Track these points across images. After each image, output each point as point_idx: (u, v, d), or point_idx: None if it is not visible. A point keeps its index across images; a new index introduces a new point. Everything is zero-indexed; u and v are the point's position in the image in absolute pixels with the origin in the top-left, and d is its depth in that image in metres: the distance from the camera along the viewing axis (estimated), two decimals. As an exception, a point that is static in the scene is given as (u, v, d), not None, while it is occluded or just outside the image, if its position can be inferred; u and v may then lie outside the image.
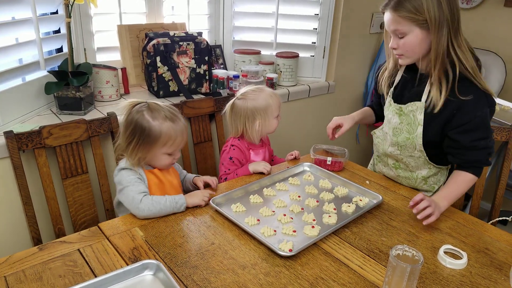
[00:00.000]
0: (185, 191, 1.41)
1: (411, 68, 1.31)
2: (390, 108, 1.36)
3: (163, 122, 1.19)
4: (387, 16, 1.20)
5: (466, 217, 1.26)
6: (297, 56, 2.14)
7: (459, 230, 1.19)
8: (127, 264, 0.97)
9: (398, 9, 1.15)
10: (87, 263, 0.98)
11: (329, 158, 1.49)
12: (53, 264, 0.96)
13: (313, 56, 2.27)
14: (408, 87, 1.32)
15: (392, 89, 1.36)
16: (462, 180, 1.26)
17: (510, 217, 1.29)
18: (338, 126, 1.47)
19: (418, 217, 1.14)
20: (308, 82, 2.27)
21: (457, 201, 1.71)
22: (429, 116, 1.25)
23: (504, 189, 1.66)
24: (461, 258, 1.03)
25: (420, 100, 1.27)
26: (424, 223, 1.14)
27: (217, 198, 1.24)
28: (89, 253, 1.01)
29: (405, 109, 1.31)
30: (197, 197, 1.21)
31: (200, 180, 1.37)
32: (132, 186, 1.17)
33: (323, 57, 2.26)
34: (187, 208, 1.20)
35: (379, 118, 1.55)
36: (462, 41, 1.17)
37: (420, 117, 1.27)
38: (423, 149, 1.31)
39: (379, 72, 1.43)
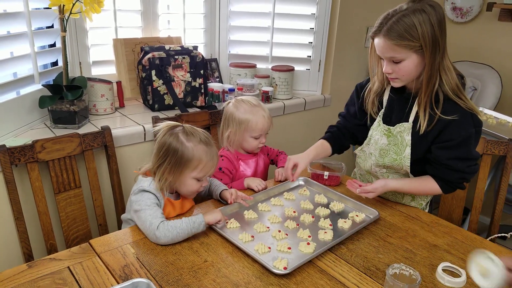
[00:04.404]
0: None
1: (397, 88, 1.27)
2: (378, 128, 1.34)
3: (196, 145, 1.18)
4: (380, 42, 1.15)
5: (465, 233, 1.24)
6: (292, 69, 2.15)
7: (457, 247, 1.17)
8: (118, 283, 0.94)
9: (392, 37, 1.11)
10: (77, 282, 0.95)
11: (326, 173, 1.47)
12: (42, 282, 0.94)
13: (309, 69, 2.28)
14: (396, 108, 1.30)
15: (383, 110, 1.33)
16: (427, 186, 1.28)
17: (509, 234, 1.27)
18: (294, 166, 1.38)
19: (358, 190, 1.28)
20: (304, 95, 2.27)
21: (456, 216, 1.70)
22: (418, 136, 1.24)
23: (503, 203, 1.64)
24: (460, 276, 1.01)
25: (407, 120, 1.26)
26: (358, 190, 1.28)
27: (211, 214, 1.21)
28: (79, 270, 0.99)
29: (393, 130, 1.29)
30: (216, 212, 1.15)
31: (230, 193, 1.28)
32: (149, 211, 1.12)
33: (319, 71, 2.27)
34: (207, 225, 1.14)
35: (342, 148, 1.51)
36: (448, 62, 1.16)
37: (408, 138, 1.26)
38: (409, 171, 1.30)
39: (363, 93, 1.38)
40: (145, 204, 1.14)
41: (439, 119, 1.18)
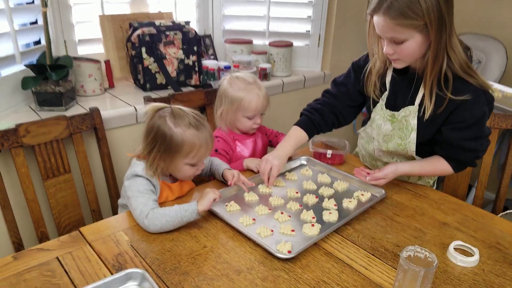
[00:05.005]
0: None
1: (401, 68, 1.16)
2: (381, 113, 1.24)
3: (186, 130, 1.07)
4: (380, 21, 1.03)
5: (474, 210, 1.19)
6: (291, 45, 2.06)
7: (467, 224, 1.11)
8: (111, 273, 0.88)
9: (393, 16, 0.99)
10: (66, 273, 0.89)
11: (329, 151, 1.40)
12: (28, 275, 0.87)
13: (308, 45, 2.19)
14: (400, 90, 1.20)
15: (386, 92, 1.23)
16: (438, 167, 1.21)
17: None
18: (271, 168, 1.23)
19: (368, 178, 1.21)
20: (303, 72, 2.19)
21: (461, 191, 1.64)
22: (425, 120, 1.14)
23: (510, 178, 1.59)
24: (473, 255, 0.96)
25: (413, 103, 1.17)
26: (368, 178, 1.22)
27: (208, 197, 1.15)
28: (68, 261, 0.92)
29: (398, 115, 1.20)
30: (208, 195, 1.05)
31: (232, 174, 1.20)
32: (141, 198, 1.05)
33: (318, 46, 2.18)
34: (201, 214, 1.06)
35: (317, 134, 1.37)
36: (455, 39, 1.05)
37: (414, 122, 1.17)
38: (415, 155, 1.23)
39: (363, 75, 1.26)
40: (137, 190, 1.07)
41: (450, 100, 1.09)
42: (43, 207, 1.37)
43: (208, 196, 1.05)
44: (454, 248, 0.98)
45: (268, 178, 1.22)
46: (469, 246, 0.99)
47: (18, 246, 1.32)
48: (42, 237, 1.38)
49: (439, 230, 1.08)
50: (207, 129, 1.12)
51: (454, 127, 1.13)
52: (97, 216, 1.51)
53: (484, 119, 1.13)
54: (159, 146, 1.08)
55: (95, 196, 1.49)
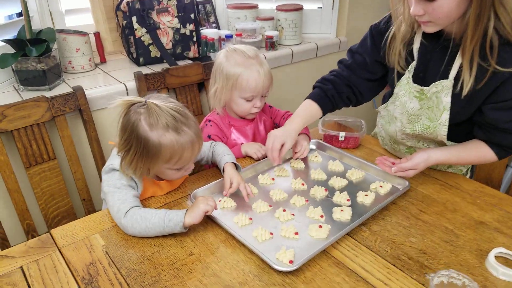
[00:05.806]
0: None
1: (433, 33, 0.95)
2: (406, 87, 1.04)
3: (163, 133, 0.89)
4: None
5: (519, 204, 0.99)
6: (301, 8, 1.84)
7: (511, 223, 0.92)
8: (79, 287, 0.75)
9: None
10: (29, 286, 0.76)
11: (342, 134, 1.21)
12: (-14, 289, 0.75)
13: (321, 7, 1.96)
14: (432, 60, 0.99)
15: (414, 63, 1.02)
16: (479, 154, 1.00)
17: None
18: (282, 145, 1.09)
19: (393, 170, 1.02)
20: (315, 39, 1.98)
21: (496, 175, 1.43)
22: (461, 97, 0.93)
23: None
24: (520, 267, 0.78)
25: (447, 77, 0.95)
26: (394, 170, 1.02)
27: (199, 191, 0.99)
28: (33, 271, 0.80)
29: (427, 91, 0.99)
30: (196, 210, 0.87)
31: (230, 180, 1.01)
32: (118, 194, 0.91)
33: (333, 9, 1.95)
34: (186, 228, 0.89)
35: (332, 110, 1.20)
36: None
37: (447, 99, 0.96)
38: (446, 140, 1.03)
39: (384, 42, 1.05)
40: (114, 185, 0.92)
41: (494, 72, 0.88)
42: (27, 198, 1.26)
43: (199, 208, 0.87)
44: (495, 257, 0.79)
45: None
46: (514, 254, 0.80)
47: (2, 240, 1.22)
48: (29, 230, 1.28)
49: (475, 231, 0.90)
50: (191, 129, 0.92)
51: (500, 107, 0.92)
52: (89, 205, 1.39)
53: None
54: (135, 148, 0.91)
55: (85, 184, 1.37)
